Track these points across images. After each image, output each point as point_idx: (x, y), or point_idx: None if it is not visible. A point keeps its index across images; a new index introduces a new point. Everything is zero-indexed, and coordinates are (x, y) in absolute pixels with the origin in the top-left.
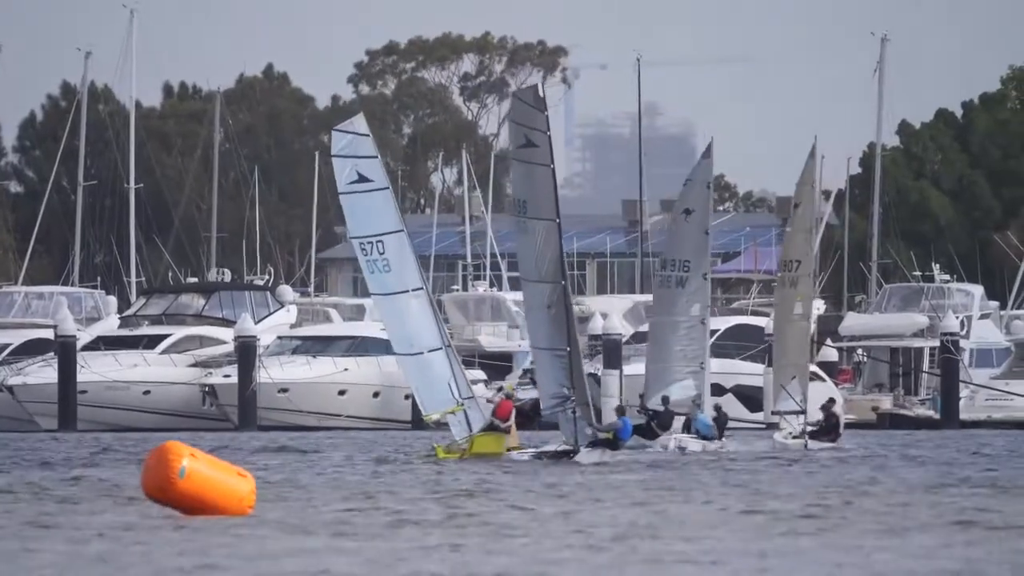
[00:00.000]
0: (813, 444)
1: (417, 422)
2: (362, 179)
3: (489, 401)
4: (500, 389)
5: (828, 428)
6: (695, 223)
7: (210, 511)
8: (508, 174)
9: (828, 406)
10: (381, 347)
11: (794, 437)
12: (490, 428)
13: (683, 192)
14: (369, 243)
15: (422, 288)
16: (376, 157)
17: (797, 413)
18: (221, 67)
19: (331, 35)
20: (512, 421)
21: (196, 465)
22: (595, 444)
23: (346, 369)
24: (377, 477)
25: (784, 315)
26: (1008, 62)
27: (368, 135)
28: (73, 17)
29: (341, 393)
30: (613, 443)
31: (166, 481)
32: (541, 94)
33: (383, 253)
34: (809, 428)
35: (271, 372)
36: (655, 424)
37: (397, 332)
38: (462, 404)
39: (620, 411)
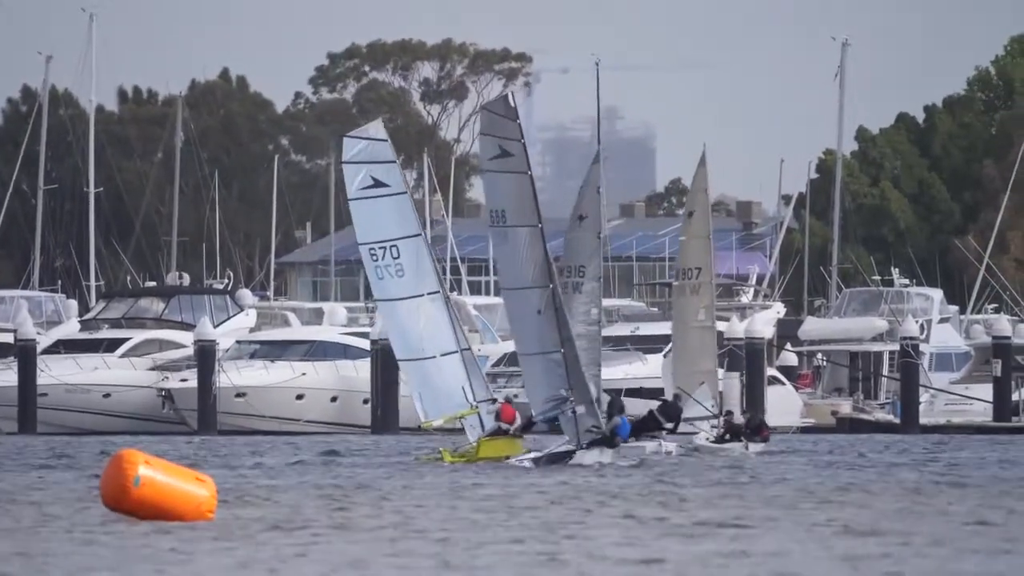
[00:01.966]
0: (751, 446)
1: (377, 427)
2: (377, 184)
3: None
4: (507, 399)
5: (756, 428)
6: (588, 228)
7: (168, 518)
8: (468, 178)
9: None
10: (339, 351)
11: (713, 441)
12: (496, 433)
13: (578, 198)
14: (381, 248)
15: (439, 292)
16: (395, 162)
17: (708, 418)
18: (180, 71)
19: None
20: (517, 425)
21: (151, 472)
22: (593, 444)
23: (304, 373)
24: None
25: (685, 322)
26: (973, 63)
27: (386, 140)
28: (34, 21)
29: (299, 398)
30: (611, 441)
31: (121, 490)
32: (512, 104)
33: (397, 258)
34: (718, 430)
35: (229, 376)
36: (659, 414)
37: (402, 337)
38: (475, 408)
39: (620, 409)
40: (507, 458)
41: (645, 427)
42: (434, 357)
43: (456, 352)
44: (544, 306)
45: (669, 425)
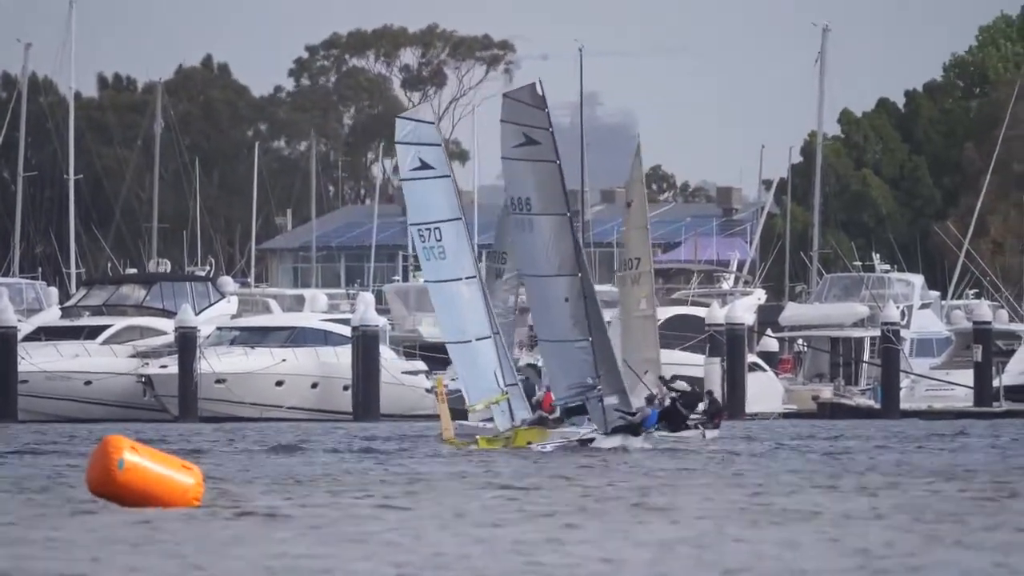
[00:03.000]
0: (708, 433)
1: (358, 414)
2: (424, 166)
3: (428, 391)
4: (548, 388)
5: (712, 414)
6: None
7: (153, 504)
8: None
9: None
10: (320, 338)
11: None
12: (539, 421)
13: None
14: (427, 230)
15: (475, 276)
16: (439, 145)
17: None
18: (159, 58)
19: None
20: (556, 414)
21: (136, 458)
22: (617, 430)
23: (284, 360)
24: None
25: (628, 312)
26: (951, 51)
27: (433, 123)
28: (13, 8)
29: (279, 384)
30: (635, 430)
31: (106, 475)
32: (539, 92)
33: (440, 240)
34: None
35: (210, 363)
36: (680, 405)
37: (448, 320)
38: (506, 393)
39: (649, 400)
40: (530, 443)
41: (668, 417)
42: (470, 341)
43: (490, 337)
44: (573, 295)
45: (688, 413)
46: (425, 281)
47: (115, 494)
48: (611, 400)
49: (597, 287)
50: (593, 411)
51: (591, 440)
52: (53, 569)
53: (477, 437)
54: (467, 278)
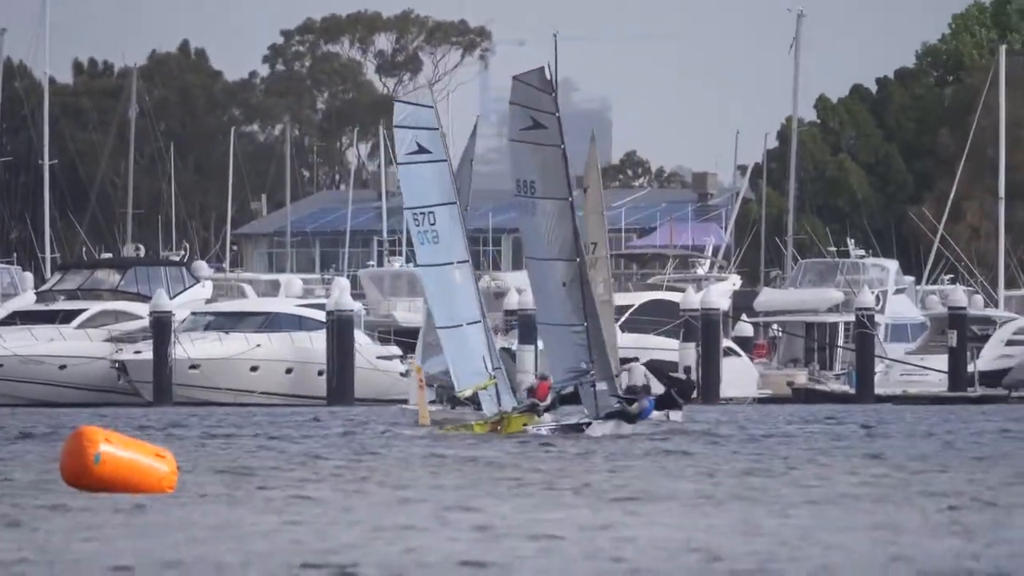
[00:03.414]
0: (674, 415)
1: (332, 399)
2: (421, 150)
3: (403, 376)
4: (543, 376)
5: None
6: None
7: (130, 492)
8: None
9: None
10: (294, 323)
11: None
12: (530, 408)
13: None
14: (421, 214)
15: (467, 261)
16: (437, 129)
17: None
18: (135, 44)
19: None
20: (547, 403)
21: (112, 449)
22: (611, 416)
23: (258, 345)
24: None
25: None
26: (923, 37)
27: (432, 107)
28: None
29: (253, 369)
30: (630, 417)
31: (82, 468)
32: (548, 76)
33: (433, 224)
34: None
35: (184, 348)
36: (675, 392)
37: (440, 304)
38: (494, 378)
39: (646, 390)
40: (525, 426)
41: (664, 405)
42: (461, 326)
43: (479, 322)
44: (570, 279)
45: (683, 402)
46: (418, 265)
47: (91, 486)
48: (601, 386)
49: None
50: (585, 396)
51: (587, 425)
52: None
53: (472, 422)
54: (459, 262)
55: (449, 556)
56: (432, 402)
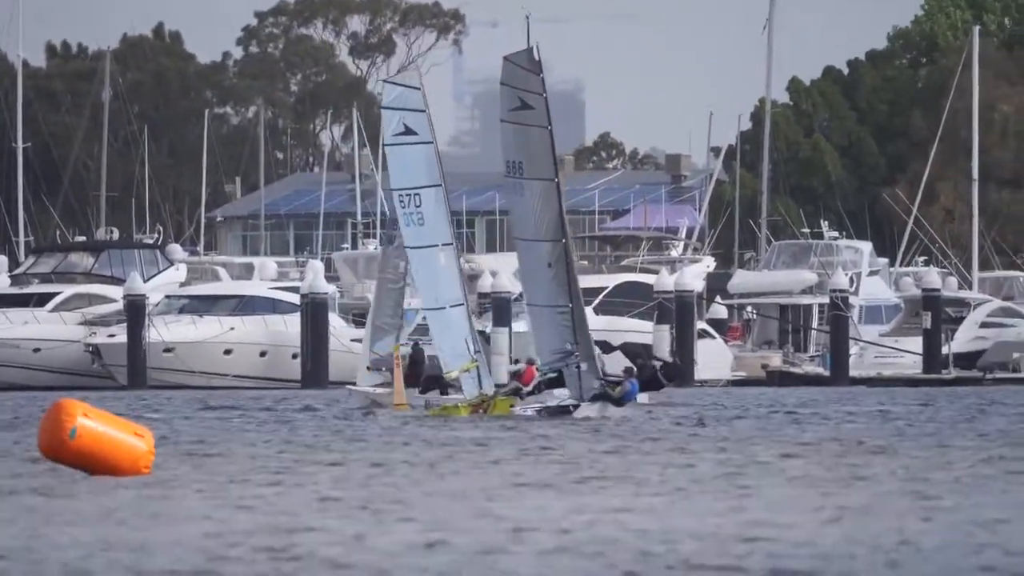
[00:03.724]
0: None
1: (307, 382)
2: (408, 131)
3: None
4: (531, 361)
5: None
6: None
7: (104, 470)
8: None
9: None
10: (268, 306)
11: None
12: (513, 392)
13: None
14: (407, 195)
15: (452, 244)
16: (424, 111)
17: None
18: (109, 26)
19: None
20: (529, 388)
21: (89, 424)
22: (596, 399)
23: (232, 328)
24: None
25: None
26: (894, 20)
27: (419, 88)
28: None
29: (227, 352)
30: (616, 400)
31: (58, 441)
32: (536, 57)
33: (419, 206)
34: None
35: (158, 331)
36: (661, 374)
37: (425, 286)
38: (475, 360)
39: (628, 371)
40: (512, 407)
41: (650, 387)
42: (444, 308)
43: (463, 304)
44: (555, 260)
45: (668, 384)
46: (404, 247)
47: (67, 460)
48: (584, 367)
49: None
50: (569, 378)
51: (573, 407)
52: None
53: (459, 404)
54: (443, 244)
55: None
56: (380, 384)
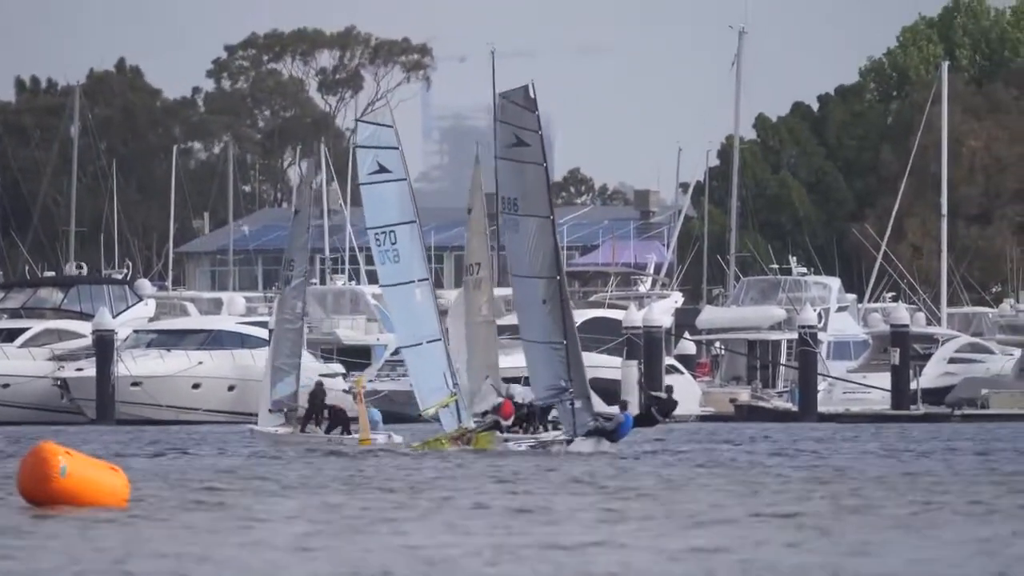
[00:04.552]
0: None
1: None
2: (382, 169)
3: (347, 391)
4: (509, 396)
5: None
6: (300, 222)
7: (90, 504)
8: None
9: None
10: (236, 340)
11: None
12: (494, 427)
13: (296, 194)
14: (383, 233)
15: (427, 279)
16: (397, 148)
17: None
18: (78, 62)
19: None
20: (508, 423)
21: (74, 463)
22: (592, 434)
23: (200, 363)
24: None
25: (472, 317)
26: (866, 54)
27: (391, 126)
28: None
29: (195, 387)
30: (611, 435)
31: (46, 481)
32: (531, 94)
33: (395, 243)
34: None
35: (127, 365)
36: (655, 411)
37: (401, 323)
38: (455, 395)
39: (623, 405)
40: (506, 441)
41: (643, 422)
42: (421, 344)
43: (440, 339)
44: (550, 297)
45: (663, 421)
46: (380, 285)
47: (54, 500)
48: (577, 403)
49: (506, 290)
50: (563, 414)
51: (568, 442)
52: None
53: (442, 439)
54: (419, 280)
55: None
56: (281, 425)
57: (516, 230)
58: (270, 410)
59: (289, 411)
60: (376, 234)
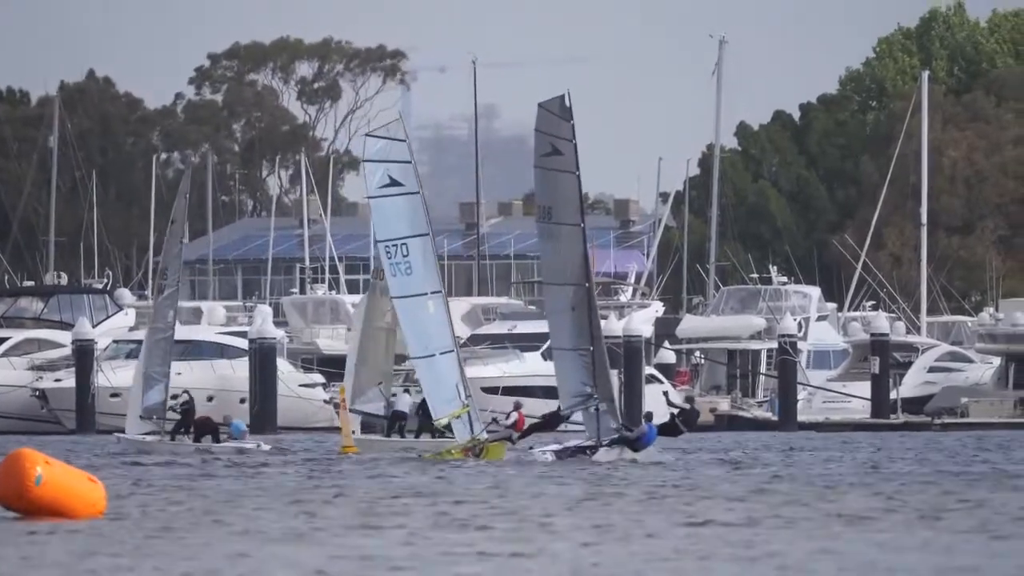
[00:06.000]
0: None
1: (255, 426)
2: (394, 183)
3: (327, 402)
4: (518, 406)
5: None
6: (174, 234)
7: (65, 516)
8: (343, 176)
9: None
10: (216, 351)
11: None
12: (505, 438)
13: (174, 206)
14: (394, 246)
15: (440, 291)
16: (410, 162)
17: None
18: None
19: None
20: (519, 434)
21: (51, 471)
22: (615, 443)
23: (179, 373)
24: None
25: (372, 323)
26: (845, 64)
27: (404, 140)
28: None
29: (174, 397)
30: (634, 444)
31: (22, 488)
32: (567, 104)
33: (407, 256)
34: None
35: (106, 376)
36: (679, 421)
37: (413, 335)
38: (467, 405)
39: (647, 417)
40: (531, 448)
41: (667, 432)
42: (434, 355)
43: (452, 351)
44: (578, 303)
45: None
46: (392, 297)
47: (30, 507)
48: (602, 408)
49: (494, 299)
50: (588, 421)
51: (592, 450)
52: None
53: (452, 450)
54: (432, 292)
55: None
56: (149, 433)
57: (549, 238)
58: (141, 417)
59: (158, 419)
60: (387, 247)
